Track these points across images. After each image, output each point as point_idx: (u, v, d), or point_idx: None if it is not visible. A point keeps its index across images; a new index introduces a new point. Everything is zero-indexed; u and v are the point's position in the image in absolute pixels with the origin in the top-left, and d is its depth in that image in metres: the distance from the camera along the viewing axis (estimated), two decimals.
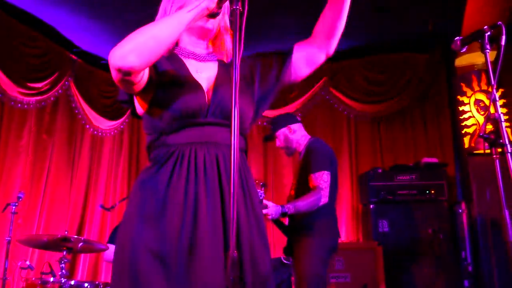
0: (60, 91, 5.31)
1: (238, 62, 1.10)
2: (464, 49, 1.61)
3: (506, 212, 1.44)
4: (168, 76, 1.42)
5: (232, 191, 1.07)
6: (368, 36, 5.22)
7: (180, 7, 1.47)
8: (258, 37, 4.87)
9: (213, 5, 1.33)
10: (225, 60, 1.56)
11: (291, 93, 5.73)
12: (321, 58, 1.57)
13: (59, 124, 5.37)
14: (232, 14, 1.15)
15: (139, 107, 1.47)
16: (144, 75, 1.35)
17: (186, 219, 1.28)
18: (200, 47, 1.53)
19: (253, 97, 1.52)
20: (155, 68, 1.43)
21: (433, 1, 4.42)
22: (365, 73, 5.55)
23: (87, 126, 5.63)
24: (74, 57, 5.51)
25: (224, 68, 1.53)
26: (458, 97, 4.64)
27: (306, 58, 1.57)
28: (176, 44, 1.52)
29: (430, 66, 5.18)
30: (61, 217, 5.22)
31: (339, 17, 1.47)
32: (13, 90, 4.77)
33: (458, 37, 1.63)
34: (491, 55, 1.80)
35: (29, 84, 4.91)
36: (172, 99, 1.37)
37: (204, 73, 1.48)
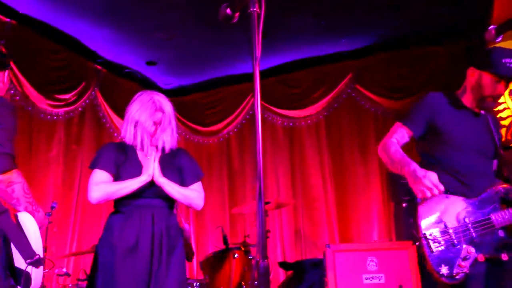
0: (87, 101, 5.40)
1: (257, 66, 1.07)
2: (500, 39, 1.51)
3: None
4: (127, 162, 2.35)
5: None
6: (390, 31, 5.12)
7: (136, 138, 2.36)
8: (274, 39, 4.81)
9: (150, 178, 2.24)
10: (166, 150, 2.37)
11: None
12: None
13: (87, 134, 5.46)
14: (249, 16, 1.12)
15: None
16: None
17: (130, 244, 2.23)
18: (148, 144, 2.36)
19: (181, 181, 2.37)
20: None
21: None
22: (388, 68, 5.43)
23: (115, 134, 5.69)
24: (98, 67, 5.58)
25: (164, 157, 2.38)
26: None
27: None
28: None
29: (453, 59, 5.04)
30: (94, 223, 5.28)
31: None
32: (42, 102, 4.86)
33: (492, 26, 1.53)
34: None
35: (57, 96, 5.00)
36: (127, 179, 2.27)
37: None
